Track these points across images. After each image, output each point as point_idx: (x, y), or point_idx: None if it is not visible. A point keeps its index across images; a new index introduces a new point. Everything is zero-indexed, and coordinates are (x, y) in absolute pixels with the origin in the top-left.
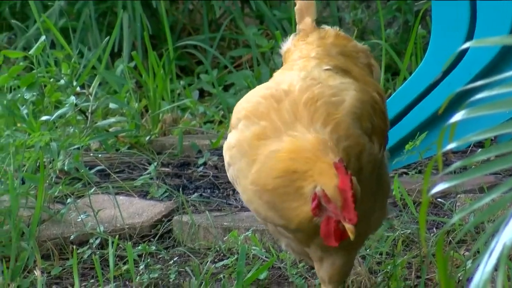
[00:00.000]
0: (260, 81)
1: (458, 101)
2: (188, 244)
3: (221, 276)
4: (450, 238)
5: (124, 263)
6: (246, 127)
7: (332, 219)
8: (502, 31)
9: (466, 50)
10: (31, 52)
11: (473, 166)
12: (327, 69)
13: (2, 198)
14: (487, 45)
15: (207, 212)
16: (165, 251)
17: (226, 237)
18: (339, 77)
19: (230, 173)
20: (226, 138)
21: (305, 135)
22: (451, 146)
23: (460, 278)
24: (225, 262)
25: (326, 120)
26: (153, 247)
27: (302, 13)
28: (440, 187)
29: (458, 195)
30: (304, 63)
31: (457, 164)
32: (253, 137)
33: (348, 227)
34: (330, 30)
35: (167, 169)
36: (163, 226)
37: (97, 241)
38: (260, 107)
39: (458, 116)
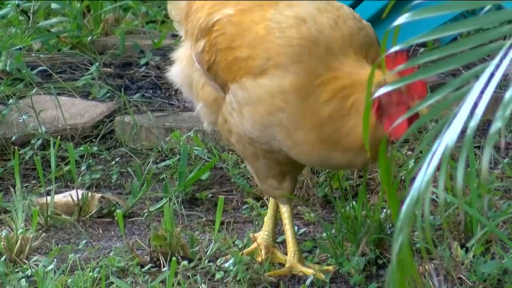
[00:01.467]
0: None
1: (401, 3)
2: (130, 144)
3: (163, 176)
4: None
5: (66, 164)
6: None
7: (397, 112)
8: None
9: None
10: None
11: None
12: None
13: None
14: None
15: (149, 112)
16: (107, 151)
17: (168, 138)
18: None
19: (281, 117)
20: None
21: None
22: (395, 48)
23: (403, 178)
24: (167, 162)
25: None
26: (95, 148)
27: None
28: (384, 89)
29: None
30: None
31: (401, 66)
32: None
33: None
34: None
35: (109, 69)
36: (105, 126)
37: (39, 142)
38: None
39: (402, 19)
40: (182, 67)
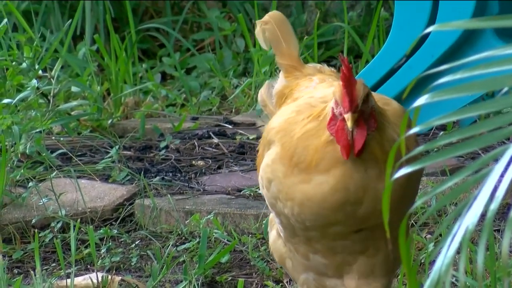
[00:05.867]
0: (222, 64)
1: (421, 85)
2: (150, 227)
3: (183, 259)
4: (413, 221)
5: (86, 247)
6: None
7: (339, 126)
8: (464, 15)
9: (428, 32)
10: None
11: (435, 150)
12: None
13: None
14: (450, 29)
15: (169, 195)
16: (127, 234)
17: (188, 221)
18: None
19: (272, 190)
20: (191, 122)
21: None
22: (414, 130)
23: (423, 261)
24: (186, 245)
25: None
26: (115, 231)
27: (278, 42)
28: (403, 171)
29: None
30: (327, 84)
31: (420, 148)
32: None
33: (346, 116)
34: (323, 67)
35: (129, 152)
36: (125, 209)
37: (59, 225)
38: (293, 120)
39: (421, 100)
40: None
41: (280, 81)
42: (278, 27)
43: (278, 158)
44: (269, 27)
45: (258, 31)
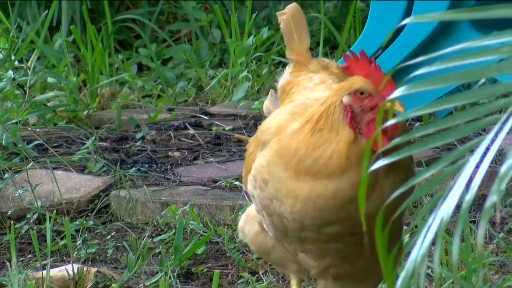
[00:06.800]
0: (198, 55)
1: (396, 76)
2: (126, 219)
3: (159, 250)
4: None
5: (62, 238)
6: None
7: (373, 118)
8: (440, 6)
9: (404, 24)
10: None
11: (411, 141)
12: None
13: None
14: (426, 21)
15: (144, 186)
16: (103, 226)
17: (163, 212)
18: None
19: (269, 191)
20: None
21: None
22: (390, 122)
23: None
24: (162, 236)
25: None
26: (91, 222)
27: (291, 35)
28: (379, 163)
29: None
30: (325, 86)
31: (396, 140)
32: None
33: (397, 104)
34: (330, 62)
35: (105, 143)
36: (101, 201)
37: (35, 216)
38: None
39: (397, 92)
40: None
41: (285, 76)
42: (292, 19)
43: (278, 163)
44: (285, 18)
45: (280, 24)
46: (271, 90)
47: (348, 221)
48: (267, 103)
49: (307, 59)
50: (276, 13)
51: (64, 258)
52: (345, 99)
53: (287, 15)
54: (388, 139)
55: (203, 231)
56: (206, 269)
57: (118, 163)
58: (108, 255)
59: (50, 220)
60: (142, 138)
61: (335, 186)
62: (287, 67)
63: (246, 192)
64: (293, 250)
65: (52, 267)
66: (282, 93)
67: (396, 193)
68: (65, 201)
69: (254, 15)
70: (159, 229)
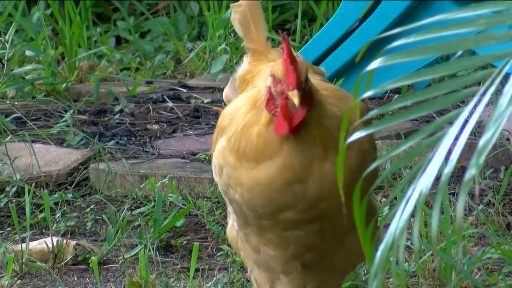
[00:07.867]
0: (176, 28)
1: (375, 48)
2: (105, 191)
3: (138, 223)
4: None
5: (41, 211)
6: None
7: (281, 103)
8: None
9: None
10: None
11: (390, 113)
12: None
13: None
14: None
15: (123, 159)
16: (82, 198)
17: (142, 185)
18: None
19: (224, 177)
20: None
21: None
22: (368, 93)
23: (377, 225)
24: (141, 209)
25: None
26: (70, 195)
27: (247, 26)
28: (357, 134)
29: (375, 142)
30: None
31: (374, 111)
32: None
33: (291, 93)
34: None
35: (83, 116)
36: (80, 173)
37: (14, 189)
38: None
39: (375, 64)
40: None
41: (244, 66)
42: (249, 10)
43: (227, 148)
44: (241, 9)
45: (233, 17)
46: (231, 77)
47: (299, 205)
48: (227, 91)
49: (267, 48)
50: (231, 5)
51: (44, 231)
52: (268, 81)
53: (243, 6)
54: (290, 126)
55: (182, 204)
56: (185, 242)
57: (97, 136)
58: (87, 228)
59: (29, 193)
60: (121, 111)
61: (264, 171)
62: (245, 57)
63: None
64: (255, 243)
65: (31, 240)
66: (242, 82)
67: (349, 175)
68: (44, 174)
69: None
70: (138, 202)
